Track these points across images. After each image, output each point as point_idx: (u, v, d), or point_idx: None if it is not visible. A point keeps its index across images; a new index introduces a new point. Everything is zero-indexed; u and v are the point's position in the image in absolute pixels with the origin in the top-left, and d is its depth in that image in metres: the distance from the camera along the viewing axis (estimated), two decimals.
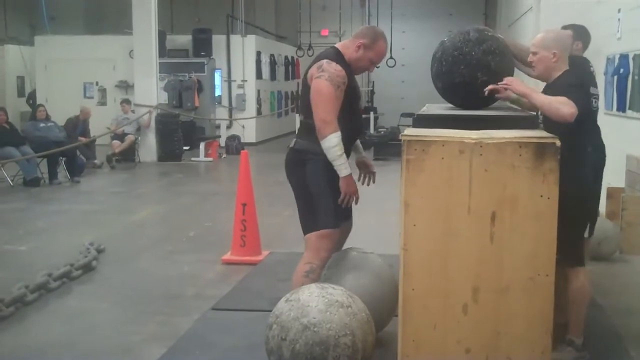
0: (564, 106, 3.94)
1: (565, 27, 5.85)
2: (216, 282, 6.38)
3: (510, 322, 3.69)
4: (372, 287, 4.44)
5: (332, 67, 4.35)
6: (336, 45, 4.61)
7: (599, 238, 6.47)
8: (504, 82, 4.20)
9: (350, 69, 4.49)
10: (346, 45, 4.56)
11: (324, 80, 4.32)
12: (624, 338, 4.82)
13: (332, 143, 4.25)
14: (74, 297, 5.96)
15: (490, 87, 4.27)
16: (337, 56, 4.47)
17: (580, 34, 5.81)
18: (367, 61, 4.54)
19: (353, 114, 4.59)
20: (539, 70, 4.36)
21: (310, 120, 4.38)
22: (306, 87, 4.47)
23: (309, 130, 4.40)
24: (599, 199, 5.52)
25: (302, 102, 4.56)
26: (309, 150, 4.40)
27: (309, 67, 4.52)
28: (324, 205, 4.38)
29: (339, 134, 4.25)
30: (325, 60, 4.41)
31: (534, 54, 4.34)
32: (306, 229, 4.53)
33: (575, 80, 4.21)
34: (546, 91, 4.28)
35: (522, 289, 3.68)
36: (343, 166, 4.29)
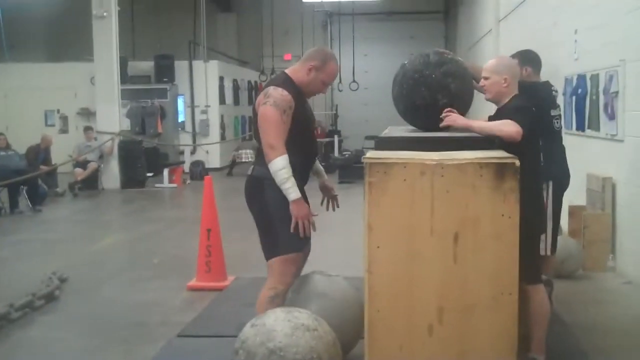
0: (507, 126, 4.09)
1: (513, 56, 5.96)
2: (181, 308, 6.32)
3: (475, 341, 3.72)
4: (337, 309, 4.43)
5: (277, 93, 4.35)
6: (285, 71, 4.62)
7: (561, 256, 6.54)
8: (445, 121, 4.29)
9: (301, 92, 4.50)
10: (296, 69, 4.56)
11: (269, 105, 4.32)
12: (588, 354, 4.87)
13: (278, 166, 4.23)
14: (37, 328, 5.86)
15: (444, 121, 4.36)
16: (285, 82, 4.48)
17: (527, 59, 5.90)
18: (319, 83, 4.55)
19: (306, 138, 4.59)
20: (491, 94, 4.49)
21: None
22: (255, 114, 4.48)
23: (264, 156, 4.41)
24: (559, 216, 5.62)
25: (254, 130, 4.57)
26: (266, 176, 4.38)
27: (258, 95, 4.55)
28: (286, 229, 4.36)
29: (285, 157, 4.23)
30: (271, 87, 4.42)
31: (486, 78, 4.47)
32: (269, 255, 4.50)
33: (521, 103, 4.35)
34: (497, 114, 4.40)
35: (486, 308, 3.70)
36: (291, 189, 4.25)
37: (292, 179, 4.25)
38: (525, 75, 5.80)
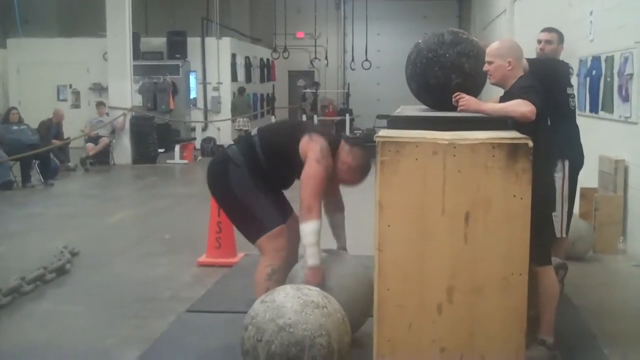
0: (520, 106, 4.00)
1: (549, 29, 5.96)
2: (191, 284, 6.35)
3: (485, 321, 3.72)
4: (347, 287, 4.44)
5: (329, 160, 4.40)
6: (343, 141, 4.62)
7: (572, 238, 6.53)
8: (460, 105, 4.23)
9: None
10: (344, 150, 4.53)
11: (322, 167, 4.36)
12: (598, 336, 4.86)
13: (309, 230, 4.27)
14: (48, 301, 5.91)
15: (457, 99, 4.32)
16: (334, 149, 4.49)
17: (562, 37, 5.95)
18: (344, 176, 4.57)
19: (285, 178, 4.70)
20: (496, 78, 4.38)
21: (266, 150, 4.51)
22: (291, 139, 4.48)
23: (251, 147, 4.54)
24: (574, 197, 5.61)
25: (274, 137, 4.64)
26: (233, 159, 4.51)
27: (306, 128, 4.60)
28: (260, 207, 4.44)
29: (318, 222, 4.28)
30: (325, 145, 4.41)
31: (489, 63, 4.36)
32: (253, 238, 4.56)
33: (528, 82, 4.26)
34: (505, 97, 4.33)
35: (496, 289, 3.70)
36: (314, 256, 4.29)
37: (318, 246, 4.31)
38: (559, 53, 5.83)
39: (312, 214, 4.26)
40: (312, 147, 4.40)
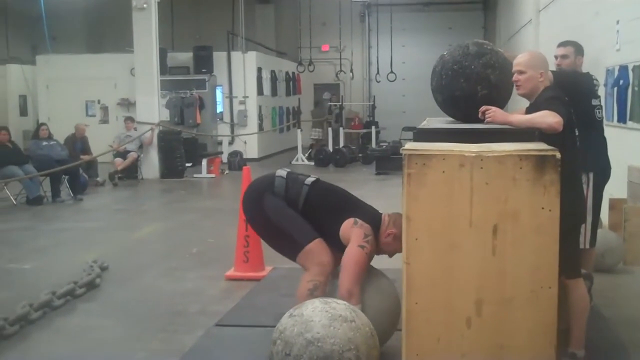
0: (548, 117, 3.99)
1: (564, 44, 5.92)
2: (220, 298, 6.37)
3: (514, 334, 3.70)
4: (375, 301, 4.44)
5: (372, 244, 4.45)
6: (383, 216, 4.67)
7: (602, 249, 6.47)
8: (487, 117, 4.22)
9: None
10: (385, 223, 4.60)
11: (366, 254, 4.40)
12: (629, 348, 4.81)
13: None
14: (78, 315, 5.96)
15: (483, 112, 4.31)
16: (376, 227, 4.56)
17: (580, 49, 5.90)
18: (390, 248, 4.61)
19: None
20: (526, 89, 4.38)
21: (308, 207, 4.62)
22: (337, 215, 4.57)
23: (297, 193, 4.62)
24: (599, 209, 5.56)
25: (322, 201, 4.69)
26: (277, 188, 4.64)
27: (356, 208, 4.66)
28: (293, 224, 4.51)
29: (359, 308, 4.28)
30: (371, 229, 4.48)
31: (521, 72, 4.36)
32: (293, 255, 4.59)
33: (553, 93, 4.26)
34: (531, 108, 4.32)
35: (525, 302, 3.68)
36: None
37: None
38: (578, 66, 5.79)
39: (352, 299, 4.26)
40: (356, 232, 4.46)
